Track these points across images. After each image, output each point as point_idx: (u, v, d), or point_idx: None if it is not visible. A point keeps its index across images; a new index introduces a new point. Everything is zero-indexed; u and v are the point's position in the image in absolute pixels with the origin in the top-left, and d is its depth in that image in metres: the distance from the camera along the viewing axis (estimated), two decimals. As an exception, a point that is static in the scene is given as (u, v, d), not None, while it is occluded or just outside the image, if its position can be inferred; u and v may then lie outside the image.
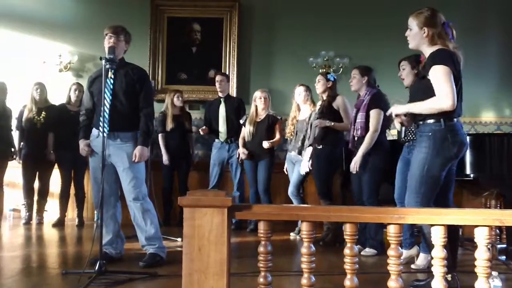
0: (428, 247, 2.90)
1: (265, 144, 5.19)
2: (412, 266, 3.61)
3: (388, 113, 3.06)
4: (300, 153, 4.95)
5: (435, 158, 2.73)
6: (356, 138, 4.21)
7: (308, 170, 4.84)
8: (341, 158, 4.65)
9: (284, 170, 5.30)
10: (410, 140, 3.73)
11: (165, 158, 5.68)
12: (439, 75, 2.68)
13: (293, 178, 5.04)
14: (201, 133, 5.60)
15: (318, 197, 4.73)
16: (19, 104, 5.83)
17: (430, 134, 2.76)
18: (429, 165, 2.74)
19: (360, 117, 4.12)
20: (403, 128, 3.77)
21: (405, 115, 2.93)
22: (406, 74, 3.77)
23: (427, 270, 3.49)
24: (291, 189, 5.04)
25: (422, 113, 2.80)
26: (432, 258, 1.88)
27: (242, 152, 5.39)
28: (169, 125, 5.70)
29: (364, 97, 4.19)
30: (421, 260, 3.63)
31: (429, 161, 2.74)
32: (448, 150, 2.73)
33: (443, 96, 2.65)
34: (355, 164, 4.10)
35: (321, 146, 4.59)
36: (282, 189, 5.61)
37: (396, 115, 2.93)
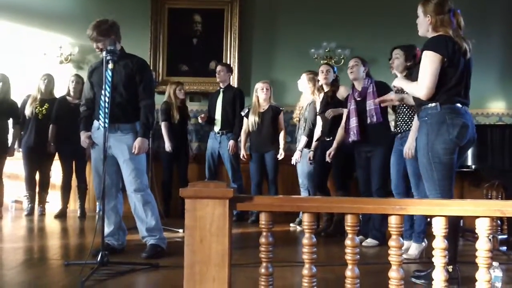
0: None
1: (281, 156, 5.29)
2: (404, 256, 3.61)
3: (392, 84, 3.17)
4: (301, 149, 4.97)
5: (436, 142, 2.72)
6: (363, 127, 4.13)
7: (297, 160, 4.95)
8: (352, 147, 4.63)
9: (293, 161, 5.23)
10: (402, 132, 3.74)
11: (167, 145, 5.62)
12: (424, 61, 2.73)
13: (304, 170, 5.05)
14: (200, 120, 5.60)
15: (311, 189, 4.73)
16: (19, 95, 5.82)
17: (427, 118, 2.77)
18: (432, 151, 2.73)
19: (373, 104, 4.05)
20: (395, 119, 3.81)
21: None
22: (398, 64, 3.76)
23: (419, 261, 3.52)
24: (302, 180, 5.06)
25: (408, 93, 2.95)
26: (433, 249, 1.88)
27: (243, 155, 5.46)
28: (176, 117, 5.68)
29: (367, 85, 4.16)
30: (412, 250, 3.66)
31: (430, 147, 2.73)
32: (447, 133, 2.71)
33: (420, 84, 2.73)
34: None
35: (330, 138, 4.57)
36: (288, 179, 5.62)
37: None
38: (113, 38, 3.46)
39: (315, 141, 4.80)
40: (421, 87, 2.72)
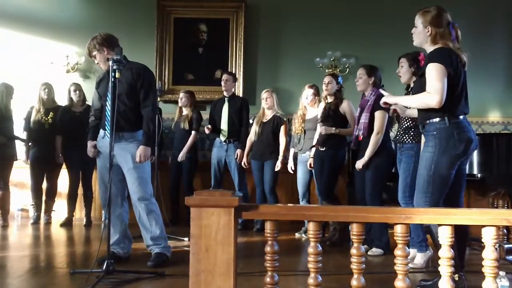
0: (436, 247, 2.90)
1: (278, 167, 5.24)
2: (410, 265, 3.61)
3: (381, 102, 3.06)
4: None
5: (442, 157, 2.72)
6: (359, 138, 4.20)
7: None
8: (344, 161, 4.68)
9: (289, 168, 5.25)
10: (401, 142, 3.76)
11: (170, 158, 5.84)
12: (431, 72, 2.70)
13: (307, 180, 5.06)
14: (206, 131, 5.61)
15: (318, 197, 4.72)
16: (27, 105, 5.86)
17: (435, 133, 2.76)
18: (436, 164, 2.73)
19: (364, 118, 4.11)
20: (395, 129, 3.83)
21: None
22: (404, 71, 3.82)
23: (425, 270, 3.52)
24: (303, 192, 5.08)
25: (412, 106, 2.88)
26: (439, 258, 1.88)
27: (244, 162, 5.44)
28: (172, 126, 5.87)
29: (369, 97, 4.18)
30: (418, 259, 3.65)
31: (435, 161, 2.73)
32: (455, 148, 2.72)
33: (431, 92, 2.68)
34: (359, 164, 4.10)
35: (324, 149, 4.60)
36: (288, 188, 5.61)
37: (385, 103, 2.99)
38: (103, 49, 3.52)
39: (311, 147, 4.81)
40: (433, 95, 2.67)
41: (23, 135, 5.81)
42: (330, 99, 4.71)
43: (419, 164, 2.86)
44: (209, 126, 5.58)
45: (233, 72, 6.17)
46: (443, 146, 2.73)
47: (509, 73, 6.36)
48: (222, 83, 5.64)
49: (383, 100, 3.01)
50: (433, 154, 2.75)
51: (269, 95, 5.43)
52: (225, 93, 5.68)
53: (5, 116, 5.54)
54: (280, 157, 5.26)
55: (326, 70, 6.12)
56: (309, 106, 5.11)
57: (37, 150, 5.71)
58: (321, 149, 4.62)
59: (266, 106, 5.40)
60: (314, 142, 4.86)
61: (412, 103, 2.90)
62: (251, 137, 5.48)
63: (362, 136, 4.12)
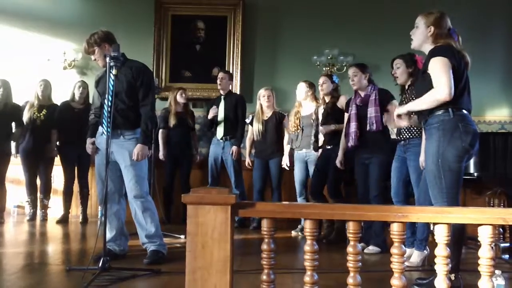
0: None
1: (286, 166, 5.29)
2: (406, 263, 3.61)
3: (395, 115, 2.98)
4: (316, 149, 4.92)
5: (447, 149, 2.67)
6: (361, 133, 4.16)
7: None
8: (350, 158, 4.67)
9: (285, 165, 5.33)
10: (406, 139, 3.75)
11: (161, 154, 5.74)
12: (436, 66, 2.69)
13: (304, 178, 5.08)
14: (209, 115, 5.60)
15: (328, 196, 4.71)
16: (23, 101, 5.82)
17: (438, 125, 2.72)
18: (442, 158, 2.68)
19: (374, 112, 4.07)
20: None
21: (411, 114, 2.95)
22: (401, 72, 3.80)
23: (421, 268, 3.53)
24: (300, 189, 5.08)
25: (424, 108, 2.77)
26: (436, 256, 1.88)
27: (248, 163, 5.47)
28: (172, 122, 5.75)
29: (369, 93, 4.17)
30: (414, 258, 3.65)
31: (441, 154, 2.68)
32: (461, 140, 2.67)
33: (439, 86, 2.65)
34: (401, 110, 3.79)
35: (331, 146, 4.60)
36: (287, 186, 5.62)
37: (398, 116, 2.93)
38: (103, 45, 3.50)
39: (318, 148, 4.83)
40: (442, 88, 2.63)
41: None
42: (327, 99, 4.73)
43: (426, 161, 2.82)
44: (214, 106, 5.60)
45: (230, 69, 6.18)
46: (448, 138, 2.68)
47: (506, 73, 6.37)
48: (218, 81, 5.64)
49: (396, 113, 2.92)
50: (438, 147, 2.70)
51: (270, 93, 5.45)
52: (221, 92, 5.68)
53: (4, 111, 5.52)
54: (286, 153, 5.32)
55: (324, 68, 6.12)
56: (304, 101, 5.11)
57: (27, 145, 5.66)
58: (328, 147, 4.63)
59: (267, 104, 5.41)
60: (310, 139, 4.89)
61: (422, 105, 2.76)
62: (251, 136, 5.50)
63: (374, 130, 4.07)
